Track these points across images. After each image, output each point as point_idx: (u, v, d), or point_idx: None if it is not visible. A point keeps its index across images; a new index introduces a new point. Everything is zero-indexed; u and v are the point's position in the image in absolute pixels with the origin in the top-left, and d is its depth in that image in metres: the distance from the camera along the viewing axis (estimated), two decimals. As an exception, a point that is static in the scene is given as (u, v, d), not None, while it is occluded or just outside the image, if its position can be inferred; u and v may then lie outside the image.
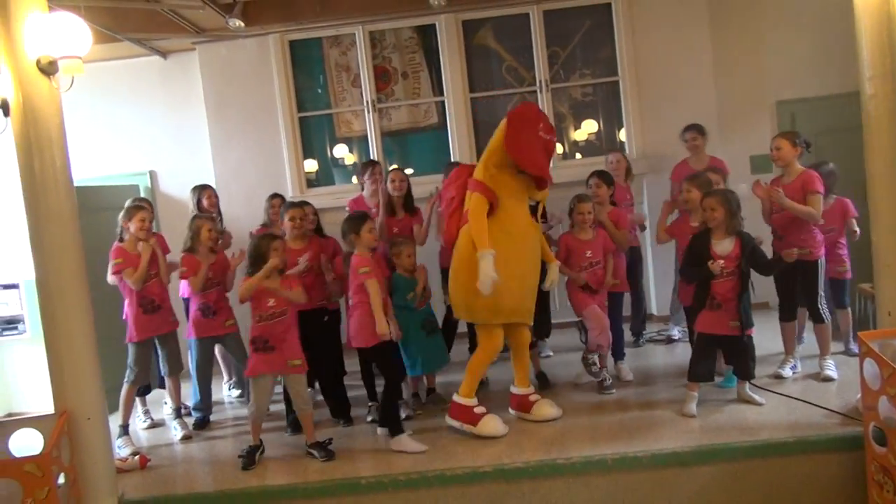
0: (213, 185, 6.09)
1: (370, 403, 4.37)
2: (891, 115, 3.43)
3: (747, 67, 6.29)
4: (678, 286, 4.73)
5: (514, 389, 4.10)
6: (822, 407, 3.74)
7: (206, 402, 4.62)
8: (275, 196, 5.04)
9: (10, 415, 6.23)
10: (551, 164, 4.06)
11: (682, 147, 5.33)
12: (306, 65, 6.47)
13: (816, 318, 4.28)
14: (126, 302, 4.31)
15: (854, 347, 4.32)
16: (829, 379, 4.18)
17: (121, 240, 4.30)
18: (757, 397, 3.93)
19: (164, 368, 4.46)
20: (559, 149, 6.43)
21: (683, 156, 5.33)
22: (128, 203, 4.39)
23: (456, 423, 3.90)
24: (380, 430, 4.01)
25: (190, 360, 4.67)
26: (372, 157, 6.33)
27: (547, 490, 3.42)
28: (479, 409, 3.88)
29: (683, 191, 4.28)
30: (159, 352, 4.44)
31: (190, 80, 6.40)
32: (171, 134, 6.51)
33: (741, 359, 3.91)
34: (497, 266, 3.67)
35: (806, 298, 4.29)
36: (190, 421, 4.57)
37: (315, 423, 3.98)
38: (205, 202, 4.95)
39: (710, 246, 3.84)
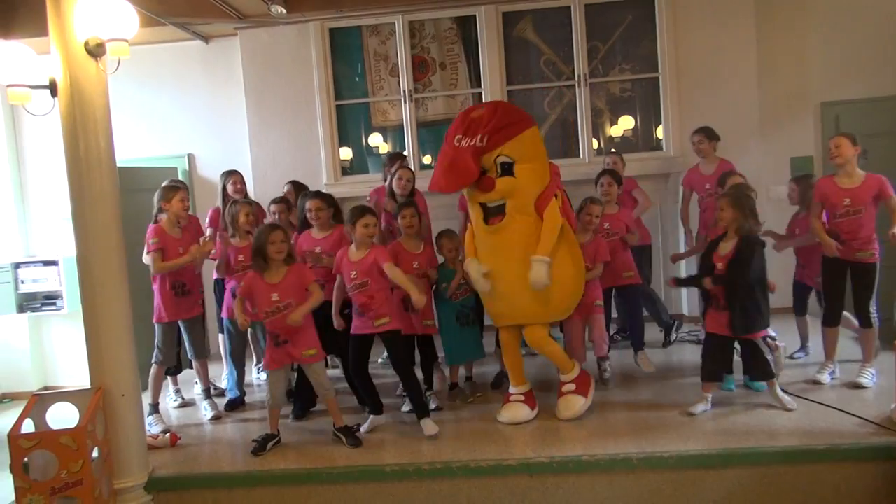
0: (250, 170, 6.24)
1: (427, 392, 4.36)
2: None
3: (792, 66, 6.17)
4: None
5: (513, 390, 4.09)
6: (854, 415, 3.66)
7: (239, 383, 4.69)
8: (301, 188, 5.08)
9: (45, 388, 6.44)
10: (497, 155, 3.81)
11: (720, 147, 5.26)
12: (345, 53, 6.50)
13: (865, 323, 4.16)
14: (156, 281, 4.33)
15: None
16: (860, 386, 4.09)
17: (155, 220, 4.36)
18: (786, 399, 3.85)
19: (189, 352, 4.53)
20: (594, 143, 6.37)
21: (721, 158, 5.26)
22: (165, 183, 4.44)
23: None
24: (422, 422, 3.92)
25: (224, 341, 4.75)
26: (405, 148, 6.36)
27: (571, 486, 3.41)
28: (516, 397, 4.00)
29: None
30: (185, 336, 4.48)
31: (230, 66, 6.48)
32: (210, 118, 6.60)
33: (751, 359, 3.84)
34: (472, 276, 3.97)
35: (857, 301, 4.17)
36: (222, 402, 4.64)
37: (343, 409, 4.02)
38: (230, 188, 4.99)
39: (715, 249, 3.82)
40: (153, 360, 4.37)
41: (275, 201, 4.79)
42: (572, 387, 3.95)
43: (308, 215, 4.35)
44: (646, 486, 3.39)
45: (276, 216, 4.68)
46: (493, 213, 3.88)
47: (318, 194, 4.49)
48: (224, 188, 4.99)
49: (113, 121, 3.50)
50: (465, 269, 4.02)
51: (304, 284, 3.84)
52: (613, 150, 5.78)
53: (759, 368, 3.83)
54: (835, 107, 6.08)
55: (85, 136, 3.38)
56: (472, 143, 3.79)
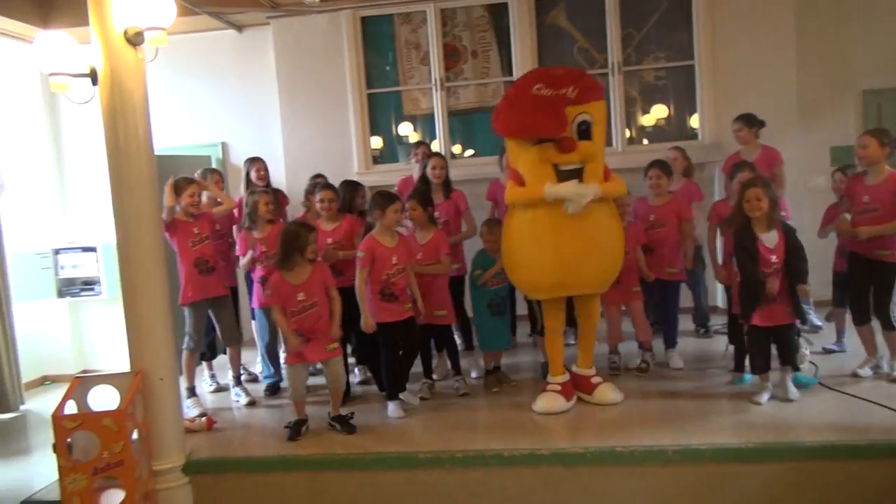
0: (282, 159, 6.29)
1: (424, 380, 4.42)
2: None
3: (833, 53, 6.03)
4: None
5: (576, 370, 4.07)
6: (893, 409, 3.58)
7: (275, 369, 4.74)
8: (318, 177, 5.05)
9: (84, 372, 6.57)
10: (573, 116, 3.68)
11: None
12: (377, 41, 6.49)
13: (886, 325, 4.06)
14: (179, 262, 4.33)
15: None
16: None
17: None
18: (793, 391, 3.82)
19: (222, 339, 4.56)
20: (626, 133, 6.29)
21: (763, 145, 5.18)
22: (174, 179, 4.35)
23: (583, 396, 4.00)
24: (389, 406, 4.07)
25: (258, 329, 4.80)
26: (436, 137, 6.35)
27: (604, 477, 3.39)
28: (553, 387, 3.95)
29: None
30: (215, 321, 4.52)
31: (263, 55, 6.52)
32: (242, 107, 6.66)
33: (788, 346, 3.82)
34: (527, 243, 3.78)
35: (876, 303, 4.07)
36: (254, 387, 4.70)
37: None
38: (253, 174, 5.02)
39: (756, 240, 3.75)
40: (183, 347, 4.38)
41: (326, 186, 4.62)
42: (557, 387, 3.95)
43: (319, 206, 4.42)
44: (681, 479, 3.35)
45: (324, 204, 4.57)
46: (566, 177, 3.69)
47: (329, 186, 4.54)
48: (248, 175, 5.03)
49: (151, 109, 3.54)
50: (552, 192, 3.62)
51: (328, 284, 3.90)
52: (677, 146, 5.49)
53: (793, 355, 3.82)
54: (877, 95, 5.93)
55: (124, 123, 3.43)
56: (558, 94, 3.63)
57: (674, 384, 4.28)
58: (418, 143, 5.52)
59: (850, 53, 6.00)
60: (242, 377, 4.74)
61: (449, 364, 4.48)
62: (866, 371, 4.16)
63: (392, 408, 4.05)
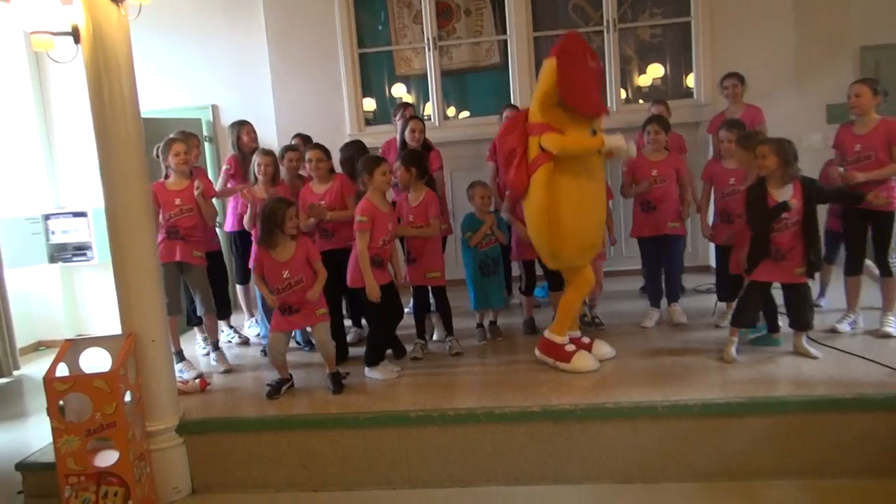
0: (273, 120, 6.23)
1: (417, 341, 4.44)
2: None
3: (830, 10, 5.96)
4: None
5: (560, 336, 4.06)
6: (883, 365, 3.61)
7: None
8: (290, 148, 4.86)
9: (78, 336, 6.58)
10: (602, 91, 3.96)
11: (752, 94, 5.10)
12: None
13: (885, 272, 4.12)
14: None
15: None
16: (887, 335, 4.04)
17: (166, 177, 4.35)
18: (813, 350, 3.82)
19: (198, 308, 4.51)
20: (622, 93, 6.22)
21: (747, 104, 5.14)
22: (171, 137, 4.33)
23: (549, 360, 3.95)
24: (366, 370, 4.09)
25: (254, 293, 4.81)
26: (429, 98, 6.28)
27: (594, 433, 3.42)
28: (570, 347, 3.94)
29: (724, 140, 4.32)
30: (191, 288, 4.47)
31: (253, 14, 6.39)
32: (233, 69, 6.55)
33: (801, 308, 3.81)
34: (571, 207, 3.74)
35: (876, 250, 4.12)
36: (248, 351, 4.73)
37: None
38: (245, 137, 4.96)
39: (767, 195, 3.72)
40: None
41: (290, 148, 4.74)
42: (573, 347, 3.96)
43: (308, 166, 4.36)
44: (670, 433, 3.39)
45: (290, 164, 4.67)
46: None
47: (318, 146, 4.45)
48: (238, 137, 4.97)
49: (137, 73, 3.48)
50: (613, 142, 3.71)
51: (313, 259, 3.88)
52: (659, 99, 5.55)
53: (806, 315, 3.82)
54: (874, 51, 5.86)
55: (109, 82, 3.36)
56: (599, 66, 3.86)
57: (662, 342, 4.31)
58: (405, 105, 5.43)
59: (848, 9, 5.90)
60: (234, 340, 4.75)
61: (442, 325, 4.50)
62: (845, 326, 4.21)
63: (372, 371, 4.06)
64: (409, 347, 4.39)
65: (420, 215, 4.24)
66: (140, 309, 3.52)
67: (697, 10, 5.94)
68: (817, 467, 3.31)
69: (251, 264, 4.01)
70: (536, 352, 4.01)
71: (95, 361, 3.53)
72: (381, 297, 3.96)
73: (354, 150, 4.62)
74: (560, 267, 4.02)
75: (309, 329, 4.11)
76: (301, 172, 4.69)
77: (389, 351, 4.27)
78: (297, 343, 4.73)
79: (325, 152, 4.40)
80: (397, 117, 5.23)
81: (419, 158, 4.37)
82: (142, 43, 3.62)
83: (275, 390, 3.89)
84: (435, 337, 4.65)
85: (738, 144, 4.13)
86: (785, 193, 3.70)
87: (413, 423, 3.53)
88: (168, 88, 6.51)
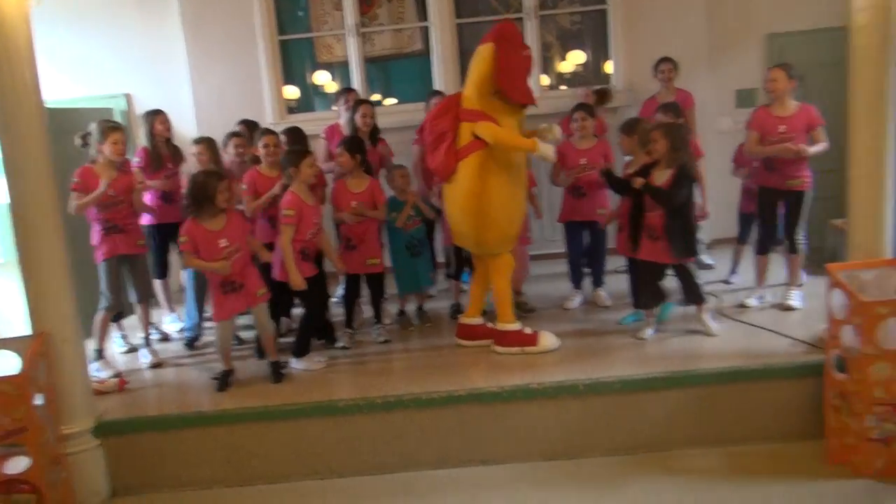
0: (192, 110, 6.04)
1: (346, 329, 4.42)
2: (879, 48, 3.37)
3: (739, -1, 6.16)
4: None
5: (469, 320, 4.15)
6: (787, 336, 3.82)
7: (199, 324, 4.68)
8: (235, 135, 4.77)
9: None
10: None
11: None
12: (287, -16, 6.25)
13: (792, 249, 4.35)
14: (91, 224, 4.21)
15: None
16: (790, 308, 4.27)
17: (93, 162, 4.19)
18: (712, 325, 3.99)
19: (134, 295, 4.41)
20: (545, 80, 6.31)
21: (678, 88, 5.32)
22: (98, 124, 4.17)
23: (514, 350, 3.95)
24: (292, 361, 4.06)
25: (187, 280, 4.70)
26: (353, 84, 6.20)
27: (519, 413, 3.50)
28: (528, 330, 3.99)
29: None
30: (128, 277, 4.35)
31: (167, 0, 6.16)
32: (146, 56, 6.29)
33: (687, 286, 3.98)
34: (502, 197, 3.82)
35: (786, 228, 4.34)
36: (169, 346, 4.62)
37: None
38: (158, 126, 4.80)
39: (645, 177, 3.89)
40: (99, 307, 4.23)
41: (235, 134, 4.68)
42: (527, 329, 4.02)
43: (263, 152, 4.30)
44: (592, 410, 3.50)
45: (237, 150, 4.62)
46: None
47: (271, 131, 4.45)
48: (152, 127, 4.79)
49: (46, 62, 3.37)
50: (543, 150, 3.75)
51: (245, 229, 3.85)
52: (592, 86, 5.64)
53: (694, 292, 3.98)
54: (779, 38, 6.12)
55: (10, 71, 3.21)
56: (529, 55, 3.86)
57: (585, 323, 4.43)
58: (348, 90, 5.32)
59: (756, -2, 6.14)
60: (153, 336, 4.63)
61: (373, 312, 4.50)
62: (753, 301, 4.43)
63: (298, 362, 4.03)
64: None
65: (367, 203, 4.23)
66: (50, 308, 3.39)
67: (613, -2, 6.07)
68: (731, 434, 3.49)
69: (180, 247, 3.85)
70: (497, 349, 4.00)
71: (4, 365, 3.36)
72: (310, 288, 3.93)
73: (290, 137, 4.57)
74: (482, 253, 4.06)
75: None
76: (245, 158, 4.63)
77: (317, 341, 4.23)
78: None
79: (278, 137, 4.39)
80: (340, 103, 5.12)
81: (363, 145, 4.36)
82: (50, 32, 3.46)
83: (223, 382, 3.83)
84: (387, 320, 4.63)
85: (621, 130, 4.32)
86: (660, 178, 3.85)
87: (341, 412, 3.53)
88: (79, 78, 6.20)
